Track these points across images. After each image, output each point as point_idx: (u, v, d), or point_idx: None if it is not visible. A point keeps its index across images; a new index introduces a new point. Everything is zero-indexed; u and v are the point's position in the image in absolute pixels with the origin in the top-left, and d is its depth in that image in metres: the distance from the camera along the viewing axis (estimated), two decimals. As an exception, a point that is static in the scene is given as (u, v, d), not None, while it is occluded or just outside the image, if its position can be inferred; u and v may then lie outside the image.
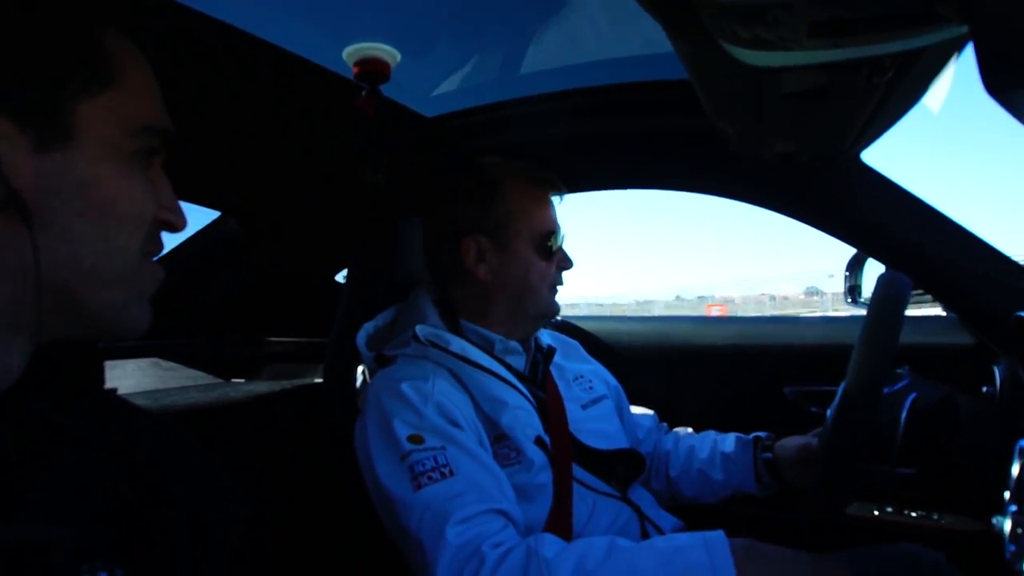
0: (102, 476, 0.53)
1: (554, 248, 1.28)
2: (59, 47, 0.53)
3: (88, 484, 0.52)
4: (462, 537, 0.93)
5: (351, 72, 1.11)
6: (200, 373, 1.92)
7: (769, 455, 1.29)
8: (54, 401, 0.54)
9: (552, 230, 1.27)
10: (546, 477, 1.13)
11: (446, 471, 1.01)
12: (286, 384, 1.71)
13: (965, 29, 0.55)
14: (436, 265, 1.33)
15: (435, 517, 0.96)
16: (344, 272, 1.88)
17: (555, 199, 1.31)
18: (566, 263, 1.31)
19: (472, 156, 1.35)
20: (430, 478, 1.00)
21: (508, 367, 1.22)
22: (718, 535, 0.91)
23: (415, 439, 1.04)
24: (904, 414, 0.94)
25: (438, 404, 1.09)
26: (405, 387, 1.10)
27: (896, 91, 0.81)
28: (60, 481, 0.50)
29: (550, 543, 0.93)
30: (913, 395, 0.96)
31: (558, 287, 1.31)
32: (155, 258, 0.62)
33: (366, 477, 1.10)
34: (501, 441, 1.13)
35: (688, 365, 1.73)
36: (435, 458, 1.02)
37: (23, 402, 0.52)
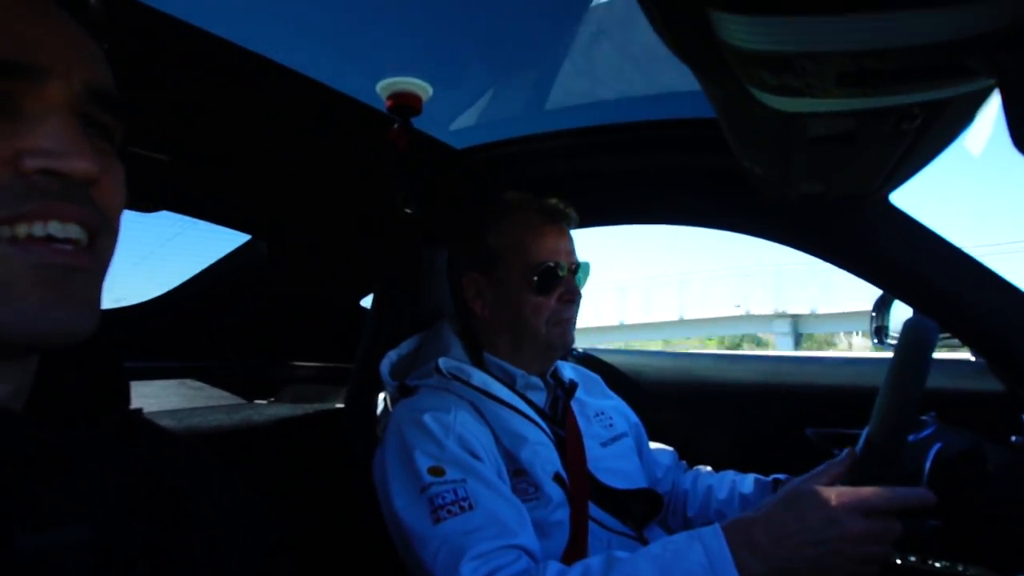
0: (123, 498, 0.52)
1: (554, 281, 1.25)
2: None
3: (108, 505, 0.51)
4: (476, 573, 0.93)
5: (384, 104, 1.14)
6: (225, 393, 1.95)
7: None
8: (76, 420, 0.52)
9: (549, 262, 1.24)
10: (563, 514, 1.13)
11: (465, 504, 1.00)
12: (308, 408, 1.72)
13: (994, 81, 0.56)
14: (452, 298, 1.35)
15: (451, 552, 0.95)
16: (369, 297, 1.90)
17: (557, 229, 1.28)
18: (569, 295, 1.27)
19: (496, 188, 1.37)
20: (449, 512, 1.00)
21: (529, 402, 1.22)
22: (713, 531, 0.88)
23: (436, 471, 1.04)
24: (928, 464, 0.92)
25: (459, 436, 1.09)
26: (427, 418, 1.10)
27: (926, 136, 0.81)
28: (80, 501, 0.50)
29: (552, 571, 0.93)
30: (938, 445, 0.94)
31: (567, 320, 1.27)
32: (44, 226, 0.46)
33: (383, 507, 1.10)
34: (519, 476, 1.13)
35: (709, 402, 1.71)
36: (455, 491, 1.02)
37: (44, 421, 0.50)
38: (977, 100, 0.70)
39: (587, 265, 1.31)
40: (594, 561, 0.92)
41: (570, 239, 1.31)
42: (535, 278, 1.23)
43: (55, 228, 0.46)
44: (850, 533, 0.82)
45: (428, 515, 1.00)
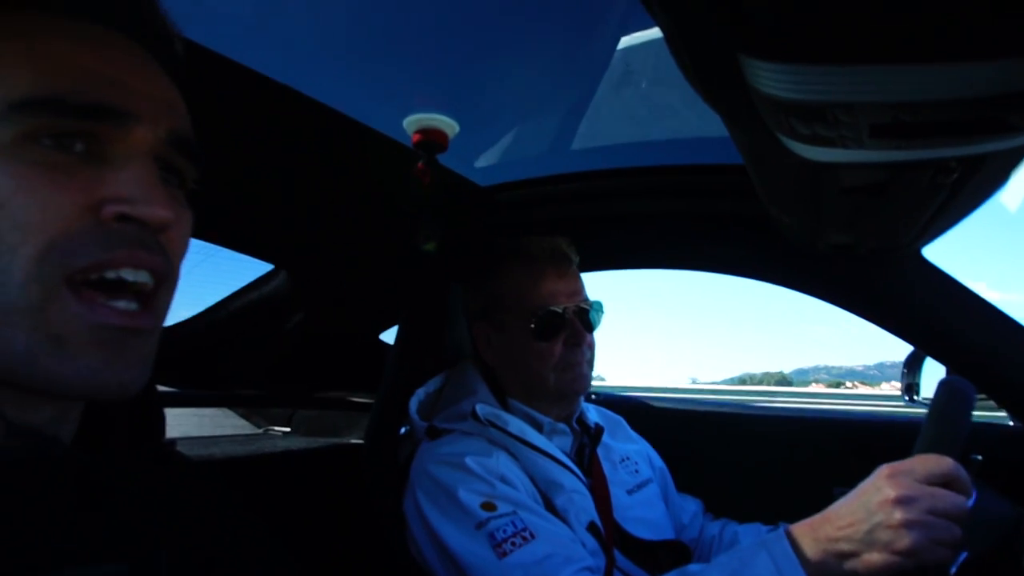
0: (160, 525, 0.53)
1: (556, 325, 1.21)
2: None
3: (146, 532, 0.52)
4: None
5: (410, 140, 1.15)
6: (241, 422, 1.94)
7: None
8: (117, 452, 0.54)
9: (550, 307, 1.21)
10: (597, 562, 1.10)
11: (527, 535, 1.00)
12: (324, 442, 1.71)
13: (1037, 138, 0.53)
14: (472, 344, 1.34)
15: None
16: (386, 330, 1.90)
17: (557, 271, 1.25)
18: (575, 339, 1.23)
19: (519, 228, 1.36)
20: (513, 544, 0.99)
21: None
22: (777, 536, 0.88)
23: (488, 507, 1.04)
24: (954, 571, 0.86)
25: (503, 476, 1.09)
26: (470, 461, 1.10)
27: (963, 191, 0.78)
28: (119, 529, 0.50)
29: None
30: (964, 555, 0.88)
31: (576, 364, 1.23)
32: (116, 272, 0.48)
33: (429, 553, 1.08)
34: None
35: (734, 454, 1.66)
36: (512, 523, 1.02)
37: (87, 452, 0.52)
38: (1017, 156, 0.67)
39: (599, 304, 1.28)
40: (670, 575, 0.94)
41: (575, 279, 1.28)
42: (534, 324, 1.21)
43: (127, 274, 0.48)
44: (893, 496, 0.80)
45: (491, 550, 1.00)
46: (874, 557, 0.81)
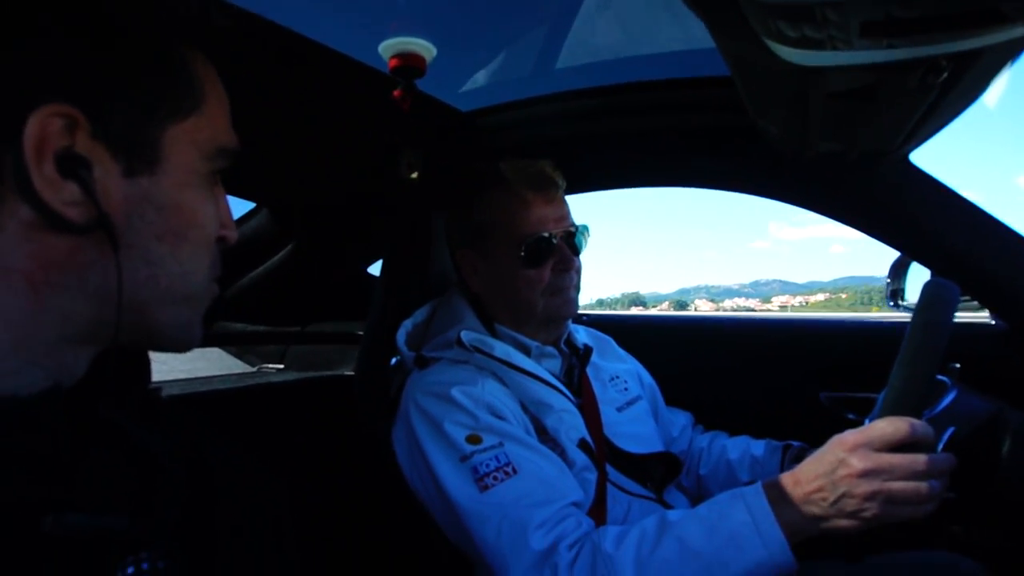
0: (155, 470, 0.54)
1: (545, 252, 1.21)
2: (154, 75, 0.54)
3: (142, 478, 0.53)
4: (544, 542, 0.96)
5: (386, 66, 1.11)
6: (237, 362, 1.95)
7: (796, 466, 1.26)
8: (109, 399, 0.55)
9: (538, 233, 1.20)
10: (587, 478, 1.13)
11: (509, 470, 1.02)
12: (317, 375, 1.72)
13: (1030, 29, 0.52)
14: (455, 271, 1.34)
15: (514, 525, 0.97)
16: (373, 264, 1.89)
17: (544, 196, 1.23)
18: (563, 264, 1.22)
19: (503, 152, 1.34)
20: (495, 478, 1.01)
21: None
22: (754, 489, 0.91)
23: (473, 439, 1.05)
24: (940, 447, 0.90)
25: (488, 404, 1.10)
26: (455, 392, 1.10)
27: (952, 91, 0.77)
28: (117, 474, 0.52)
29: (610, 537, 0.95)
30: (951, 430, 0.91)
31: (564, 289, 1.24)
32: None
33: (419, 483, 1.11)
34: (545, 442, 1.13)
35: (722, 366, 1.69)
36: (496, 458, 1.03)
37: (83, 401, 0.53)
38: (1009, 52, 0.66)
39: (585, 227, 1.27)
40: (648, 523, 0.95)
41: (561, 204, 1.25)
42: (523, 251, 1.20)
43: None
44: (855, 470, 0.84)
45: (473, 483, 1.02)
46: (844, 523, 0.85)
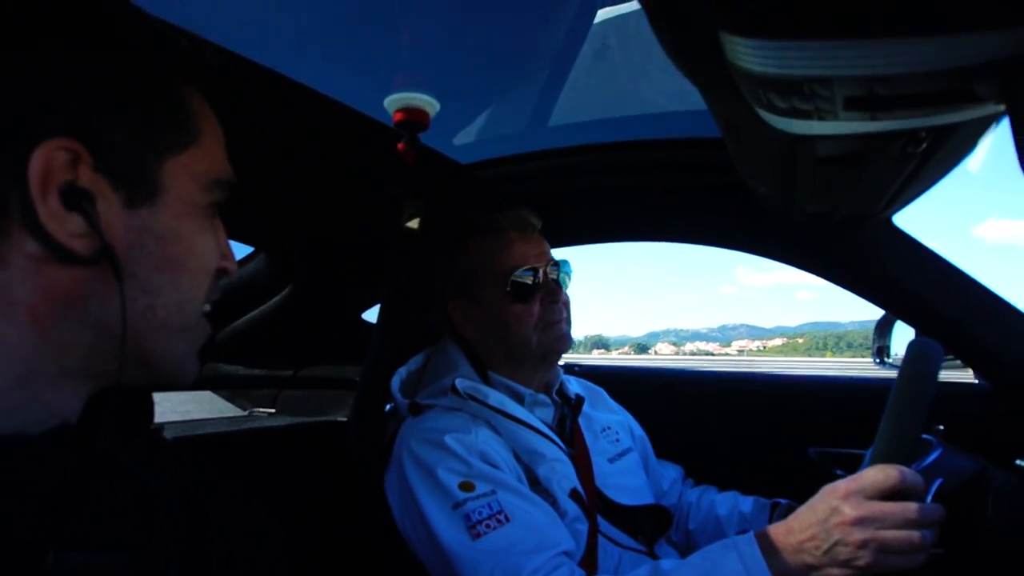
0: (156, 507, 0.55)
1: (531, 286, 1.24)
2: (152, 109, 0.55)
3: (143, 514, 0.54)
4: None
5: (391, 119, 1.14)
6: (228, 405, 1.94)
7: None
8: (112, 438, 0.55)
9: (522, 267, 1.23)
10: (579, 528, 1.13)
11: (502, 517, 1.02)
12: (310, 420, 1.72)
13: (1003, 107, 0.56)
14: (442, 326, 1.36)
15: (507, 572, 0.97)
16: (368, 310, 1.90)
17: (523, 236, 1.27)
18: (552, 295, 1.25)
19: (501, 205, 1.37)
20: (488, 526, 1.01)
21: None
22: (747, 539, 0.91)
23: (466, 486, 1.05)
24: (929, 499, 0.91)
25: (481, 452, 1.10)
26: (448, 440, 1.11)
27: (932, 159, 0.81)
28: (120, 511, 0.52)
29: None
30: (939, 481, 0.93)
31: (556, 322, 1.25)
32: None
33: (411, 529, 1.10)
34: (537, 493, 1.13)
35: (712, 420, 1.70)
36: (489, 505, 1.03)
37: (85, 439, 0.53)
38: (983, 126, 0.70)
39: (566, 263, 1.30)
40: (641, 572, 0.96)
41: (541, 242, 1.29)
42: (509, 288, 1.23)
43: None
44: (849, 517, 0.85)
45: (466, 530, 1.01)
46: (836, 572, 0.86)
